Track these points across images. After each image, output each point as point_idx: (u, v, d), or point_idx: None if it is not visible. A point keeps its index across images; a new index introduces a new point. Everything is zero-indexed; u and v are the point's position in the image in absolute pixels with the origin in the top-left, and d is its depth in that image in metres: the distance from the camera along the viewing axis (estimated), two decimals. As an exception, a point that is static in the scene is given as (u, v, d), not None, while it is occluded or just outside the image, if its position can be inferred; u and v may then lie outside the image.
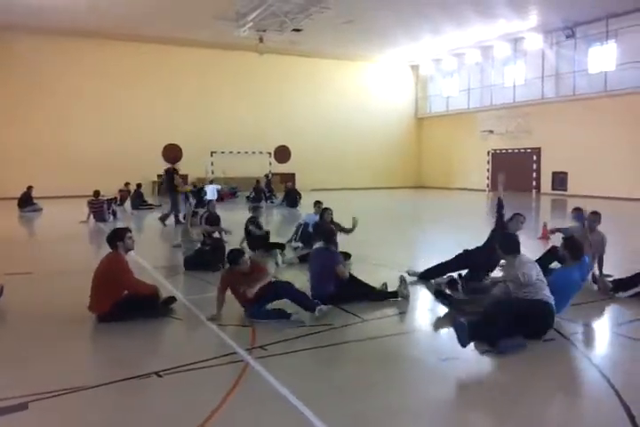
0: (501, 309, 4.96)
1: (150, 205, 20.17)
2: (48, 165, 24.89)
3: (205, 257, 8.54)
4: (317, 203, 10.36)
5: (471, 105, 30.45)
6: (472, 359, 4.66)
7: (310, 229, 9.67)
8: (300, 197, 20.67)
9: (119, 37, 25.85)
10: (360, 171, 31.94)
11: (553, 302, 5.09)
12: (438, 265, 7.44)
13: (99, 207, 15.70)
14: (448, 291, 6.59)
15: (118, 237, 5.86)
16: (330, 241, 6.62)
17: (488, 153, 28.91)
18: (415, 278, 7.52)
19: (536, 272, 5.18)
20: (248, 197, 22.47)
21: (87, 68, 25.88)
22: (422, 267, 7.76)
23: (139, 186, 20.12)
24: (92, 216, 15.65)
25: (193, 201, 18.99)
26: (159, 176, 26.45)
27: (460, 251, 7.43)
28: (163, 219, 14.54)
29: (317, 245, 6.86)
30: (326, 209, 9.26)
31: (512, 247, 5.46)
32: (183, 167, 27.30)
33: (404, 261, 8.68)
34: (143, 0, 20.77)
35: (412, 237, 12.94)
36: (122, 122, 26.72)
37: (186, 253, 8.92)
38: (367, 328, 5.56)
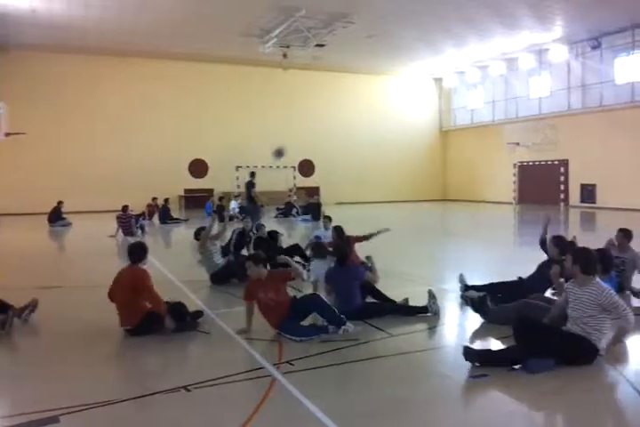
0: (550, 339, 4.77)
1: (177, 219, 20.36)
2: (77, 181, 25.40)
3: (233, 270, 8.55)
4: (326, 218, 10.41)
5: (496, 117, 30.27)
6: (503, 377, 4.56)
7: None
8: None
9: (145, 55, 26.43)
10: (384, 184, 31.91)
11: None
12: (488, 285, 7.24)
13: (127, 222, 15.90)
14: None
15: (145, 251, 5.95)
16: (343, 263, 6.59)
17: (514, 165, 28.62)
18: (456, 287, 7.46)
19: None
20: (278, 208, 22.56)
21: (114, 85, 26.47)
22: (450, 282, 7.68)
23: (166, 201, 20.37)
24: (120, 231, 15.86)
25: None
26: (185, 191, 26.84)
27: (509, 278, 7.18)
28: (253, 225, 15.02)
29: (330, 263, 6.90)
30: (336, 228, 9.06)
31: (592, 267, 4.95)
32: (209, 182, 27.84)
33: (432, 276, 8.60)
34: (169, 19, 21.23)
35: (438, 251, 12.80)
36: (148, 138, 27.19)
37: (209, 268, 8.85)
38: (395, 344, 5.49)
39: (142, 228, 16.54)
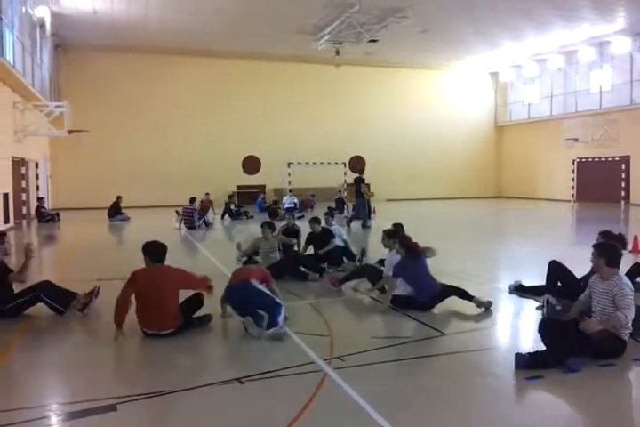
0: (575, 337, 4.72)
1: (243, 213, 20.45)
2: (134, 177, 26.23)
3: (287, 267, 8.65)
4: (326, 214, 10.69)
5: (554, 112, 29.33)
6: (556, 379, 4.44)
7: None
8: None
9: (202, 54, 26.99)
10: (437, 180, 31.49)
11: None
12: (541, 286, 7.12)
13: (189, 215, 16.31)
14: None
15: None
16: (414, 254, 6.71)
17: (573, 162, 27.66)
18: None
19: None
20: (330, 208, 22.30)
21: (172, 83, 27.14)
22: (508, 281, 7.55)
23: (230, 197, 20.67)
24: (182, 223, 16.39)
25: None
26: (238, 187, 27.27)
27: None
28: (348, 223, 16.12)
29: (396, 255, 6.90)
30: (396, 225, 8.90)
31: (615, 259, 4.99)
32: (261, 179, 28.20)
33: (486, 275, 8.44)
34: (225, 18, 21.61)
35: (493, 249, 12.50)
36: (203, 135, 27.80)
37: (264, 263, 8.96)
38: (448, 342, 5.44)
39: (206, 222, 16.93)
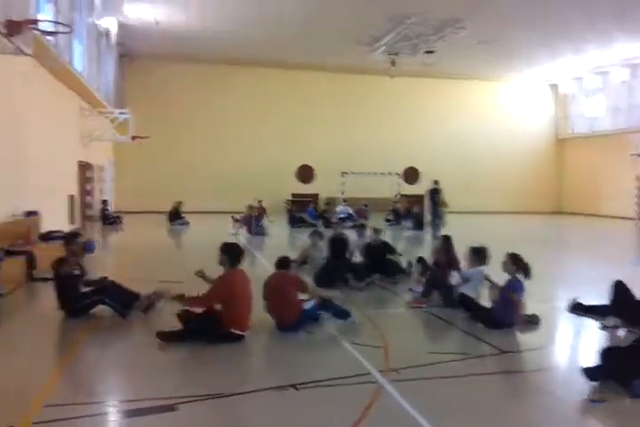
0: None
1: (304, 221, 20.63)
2: (194, 183, 26.82)
3: (334, 274, 8.69)
4: (376, 230, 10.32)
5: (618, 126, 28.29)
6: (621, 403, 4.27)
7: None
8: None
9: (259, 64, 27.46)
10: (493, 194, 30.81)
11: None
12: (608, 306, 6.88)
13: (248, 221, 16.94)
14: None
15: (242, 253, 6.05)
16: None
17: (638, 178, 26.58)
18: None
19: None
20: (387, 220, 22.23)
21: (229, 93, 27.69)
22: (567, 300, 7.34)
23: (292, 204, 20.87)
24: (244, 229, 17.00)
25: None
26: (292, 195, 27.55)
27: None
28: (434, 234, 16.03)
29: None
30: (445, 237, 9.01)
31: None
32: (314, 188, 28.39)
33: (545, 292, 8.20)
34: (283, 30, 21.95)
35: (552, 266, 12.09)
36: (259, 143, 28.21)
37: (312, 270, 9.06)
38: (505, 361, 5.33)
39: (262, 228, 17.35)
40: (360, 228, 10.54)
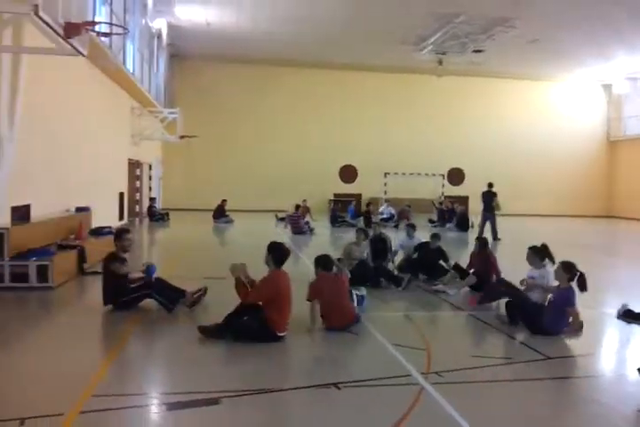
0: None
1: (345, 221, 20.73)
2: (239, 181, 27.24)
3: (368, 273, 8.72)
4: (410, 226, 10.67)
5: (675, 127, 27.21)
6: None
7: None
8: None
9: (306, 65, 27.62)
10: (541, 196, 30.08)
11: None
12: None
13: (296, 221, 17.10)
14: None
15: (288, 254, 6.01)
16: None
17: (694, 181, 25.52)
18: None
19: None
20: (431, 221, 22.00)
21: (277, 93, 27.98)
22: (617, 306, 7.12)
23: (335, 204, 20.97)
24: (289, 228, 17.26)
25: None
26: (334, 195, 27.59)
27: None
28: (494, 237, 16.29)
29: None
30: (480, 239, 9.07)
31: None
32: (357, 187, 28.35)
33: (594, 298, 7.94)
34: (330, 30, 22.00)
35: (601, 271, 11.74)
36: (304, 143, 28.38)
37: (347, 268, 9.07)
38: (551, 367, 5.20)
39: (310, 228, 17.54)
40: (410, 227, 10.50)
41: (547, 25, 20.56)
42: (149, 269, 7.23)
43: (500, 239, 16.44)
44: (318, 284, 6.21)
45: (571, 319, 5.99)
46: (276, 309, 5.65)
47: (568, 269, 6.12)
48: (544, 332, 6.00)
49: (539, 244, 7.12)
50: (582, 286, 6.04)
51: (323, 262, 6.38)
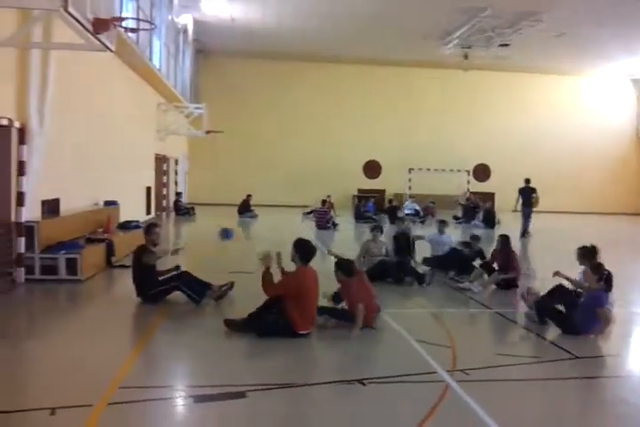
0: None
1: (370, 217, 20.59)
2: (264, 176, 27.28)
3: (389, 270, 8.71)
4: (442, 222, 10.53)
5: None
6: None
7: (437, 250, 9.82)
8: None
9: (330, 59, 27.52)
10: (569, 193, 29.51)
11: None
12: None
13: (322, 216, 17.25)
14: None
15: (314, 251, 5.96)
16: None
17: None
18: None
19: None
20: (456, 217, 21.75)
21: (301, 88, 27.95)
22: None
23: (359, 200, 20.96)
24: (315, 223, 17.31)
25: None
26: (358, 191, 27.52)
27: None
28: (523, 233, 16.40)
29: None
30: (502, 236, 8.93)
31: None
32: (381, 183, 28.23)
33: (625, 297, 7.82)
34: (354, 25, 21.85)
35: (633, 270, 11.53)
36: (329, 139, 28.30)
37: (367, 265, 9.07)
38: (579, 366, 5.13)
39: (334, 224, 17.58)
40: (442, 224, 10.42)
41: (573, 19, 20.13)
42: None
43: (530, 236, 16.39)
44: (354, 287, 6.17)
45: (602, 320, 5.88)
46: (298, 306, 5.63)
47: (596, 269, 6.04)
48: (575, 332, 5.91)
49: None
50: (608, 286, 5.93)
51: (346, 268, 6.26)
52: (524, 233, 16.42)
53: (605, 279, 5.99)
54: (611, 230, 21.94)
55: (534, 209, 17.11)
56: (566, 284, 6.70)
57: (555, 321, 6.11)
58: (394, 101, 28.66)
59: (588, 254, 6.78)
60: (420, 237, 10.47)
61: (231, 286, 7.31)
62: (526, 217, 16.91)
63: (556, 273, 6.73)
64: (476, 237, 9.88)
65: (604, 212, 29.09)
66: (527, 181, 17.58)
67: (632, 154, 31.16)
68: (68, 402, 3.89)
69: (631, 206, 30.63)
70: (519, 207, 17.27)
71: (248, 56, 27.11)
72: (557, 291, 6.67)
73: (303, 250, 5.84)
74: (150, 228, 7.39)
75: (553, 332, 6.06)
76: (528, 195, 17.09)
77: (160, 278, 7.05)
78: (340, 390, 4.36)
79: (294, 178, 27.46)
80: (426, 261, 9.85)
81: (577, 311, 6.05)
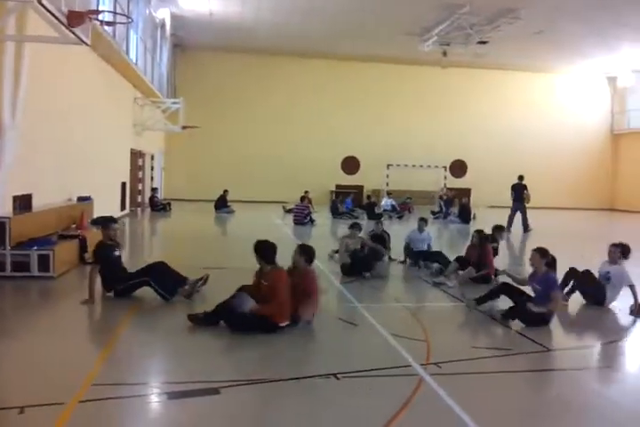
0: None
1: (345, 213, 20.66)
2: (240, 172, 27.18)
3: (361, 262, 8.78)
4: (422, 220, 10.45)
5: (679, 121, 27.05)
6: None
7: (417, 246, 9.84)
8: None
9: (308, 55, 27.47)
10: (542, 188, 29.74)
11: None
12: None
13: (300, 212, 17.17)
14: None
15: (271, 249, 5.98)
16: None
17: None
18: None
19: None
20: (433, 212, 21.88)
21: (278, 84, 27.86)
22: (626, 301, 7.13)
23: (336, 195, 20.94)
24: (292, 218, 17.23)
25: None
26: (336, 187, 27.57)
27: None
28: (525, 228, 16.85)
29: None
30: (478, 231, 9.06)
31: None
32: (359, 179, 28.30)
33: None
34: (334, 21, 21.85)
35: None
36: (306, 134, 28.26)
37: (341, 260, 9.15)
38: (551, 359, 5.22)
39: (312, 219, 17.52)
40: (421, 222, 10.41)
41: (552, 16, 20.37)
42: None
43: (531, 230, 16.92)
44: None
45: (552, 302, 6.09)
46: (279, 301, 5.65)
47: (544, 254, 6.36)
48: (536, 321, 6.03)
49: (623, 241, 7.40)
50: (553, 267, 6.42)
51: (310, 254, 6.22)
52: (526, 228, 16.99)
53: (552, 263, 6.37)
54: (583, 225, 22.34)
55: (527, 205, 17.71)
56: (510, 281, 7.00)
57: (517, 317, 6.19)
58: (372, 98, 28.73)
59: (619, 251, 7.20)
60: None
61: (206, 280, 7.26)
62: (522, 212, 17.48)
63: (503, 272, 7.03)
64: (500, 228, 10.04)
65: (579, 207, 29.62)
66: (520, 177, 18.18)
67: (606, 151, 31.74)
68: (37, 401, 3.83)
69: (605, 202, 31.25)
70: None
71: (226, 51, 26.93)
72: (503, 290, 6.81)
73: (263, 252, 5.87)
74: (107, 223, 7.29)
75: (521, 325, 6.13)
76: (520, 191, 17.71)
77: (130, 272, 7.04)
78: (314, 385, 4.36)
79: (272, 174, 27.40)
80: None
81: (534, 299, 6.24)
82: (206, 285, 7.24)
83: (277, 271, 5.81)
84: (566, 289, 7.32)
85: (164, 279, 6.85)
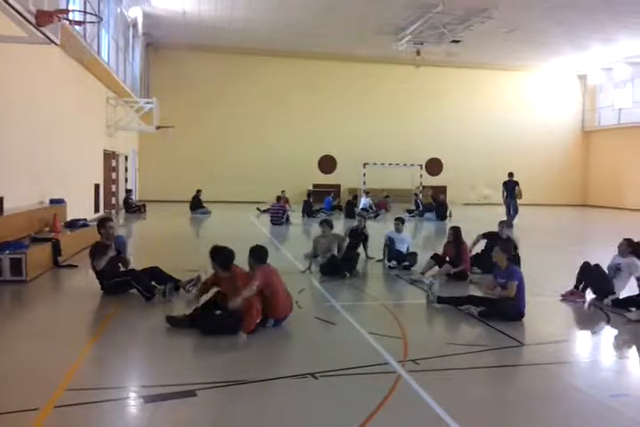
0: None
1: (318, 211, 20.72)
2: (215, 172, 27.02)
3: (339, 264, 8.82)
4: (398, 219, 10.27)
5: (647, 118, 27.66)
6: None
7: (398, 247, 9.76)
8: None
9: (282, 54, 27.45)
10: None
11: None
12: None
13: (276, 211, 17.15)
14: None
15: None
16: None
17: (666, 171, 26.05)
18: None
19: None
20: (409, 211, 21.93)
21: (252, 83, 27.72)
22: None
23: (309, 196, 20.91)
24: (269, 219, 17.22)
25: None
26: (313, 186, 27.57)
27: None
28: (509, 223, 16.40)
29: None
30: (454, 228, 9.17)
31: None
32: (336, 178, 28.36)
33: (562, 285, 8.10)
34: (307, 20, 21.89)
35: (573, 259, 11.95)
36: (281, 133, 28.23)
37: (321, 260, 9.17)
38: (526, 353, 5.29)
39: (287, 218, 17.49)
40: (398, 222, 10.37)
41: (522, 15, 20.70)
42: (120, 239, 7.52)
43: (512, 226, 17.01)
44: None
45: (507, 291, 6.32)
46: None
47: (507, 250, 6.53)
48: (515, 315, 6.19)
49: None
50: (517, 262, 6.84)
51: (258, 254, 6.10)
52: (510, 225, 17.10)
53: (516, 259, 6.72)
54: (554, 221, 22.73)
55: (518, 201, 18.27)
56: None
57: (494, 311, 6.29)
58: (348, 96, 28.81)
59: (631, 246, 7.50)
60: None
61: (198, 280, 7.24)
62: (514, 209, 18.01)
63: (471, 281, 7.25)
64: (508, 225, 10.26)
65: (551, 203, 30.12)
66: (510, 174, 18.62)
67: (578, 148, 32.33)
68: (11, 407, 3.76)
69: (576, 198, 31.84)
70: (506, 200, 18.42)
71: (200, 50, 26.74)
72: (470, 301, 6.81)
73: (220, 259, 5.92)
74: (103, 222, 7.39)
75: (501, 320, 6.20)
76: (512, 187, 18.17)
77: (119, 271, 7.21)
78: (293, 385, 4.36)
79: (248, 174, 27.29)
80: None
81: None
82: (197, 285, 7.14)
83: (238, 274, 5.86)
84: (581, 286, 7.49)
85: (145, 279, 6.96)
